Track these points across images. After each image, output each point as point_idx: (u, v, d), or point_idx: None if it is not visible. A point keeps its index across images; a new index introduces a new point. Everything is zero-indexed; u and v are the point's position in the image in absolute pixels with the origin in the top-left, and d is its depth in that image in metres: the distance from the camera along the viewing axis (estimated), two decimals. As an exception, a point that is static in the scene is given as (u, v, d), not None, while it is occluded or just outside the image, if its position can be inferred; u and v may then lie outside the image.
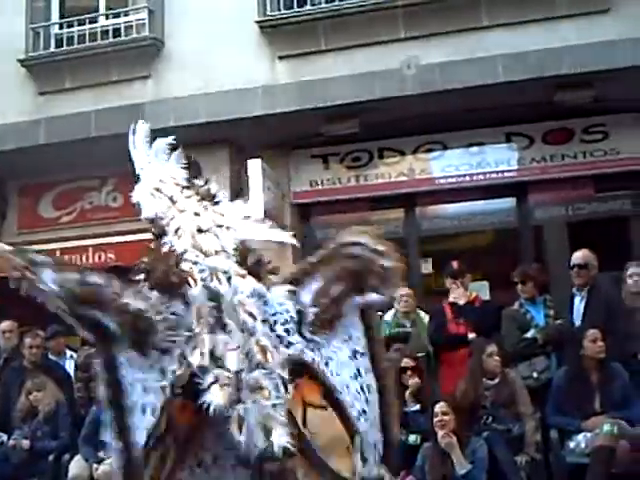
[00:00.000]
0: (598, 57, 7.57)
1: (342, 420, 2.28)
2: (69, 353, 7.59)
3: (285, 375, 2.17)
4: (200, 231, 2.38)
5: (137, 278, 2.33)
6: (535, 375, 6.10)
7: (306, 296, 2.37)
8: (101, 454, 5.88)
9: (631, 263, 6.48)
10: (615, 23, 7.73)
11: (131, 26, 8.98)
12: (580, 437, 5.38)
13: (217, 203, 2.52)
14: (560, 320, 6.45)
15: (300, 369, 2.26)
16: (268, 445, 2.06)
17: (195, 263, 2.27)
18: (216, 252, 2.32)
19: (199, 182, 2.59)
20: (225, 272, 2.27)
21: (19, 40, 9.07)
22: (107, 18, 9.31)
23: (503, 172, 8.96)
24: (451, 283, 6.86)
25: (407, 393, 5.96)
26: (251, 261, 2.36)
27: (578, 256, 6.47)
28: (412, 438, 5.79)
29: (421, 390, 6.08)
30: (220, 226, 2.40)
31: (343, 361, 2.39)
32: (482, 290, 7.74)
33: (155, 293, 2.27)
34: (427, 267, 8.79)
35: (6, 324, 7.41)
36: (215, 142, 8.31)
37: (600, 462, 5.11)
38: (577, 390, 5.53)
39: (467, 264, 7.23)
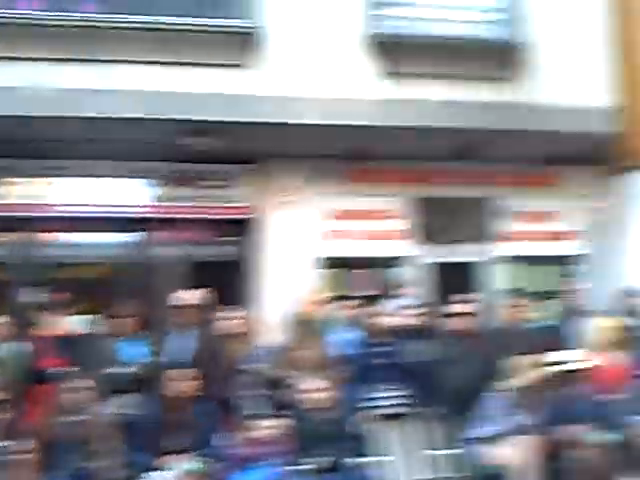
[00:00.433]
0: (223, 108, 8.03)
1: None
2: None
3: None
4: None
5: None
6: (124, 411, 6.08)
7: None
8: None
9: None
10: (250, 78, 8.25)
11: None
12: (156, 475, 5.44)
13: None
14: (156, 357, 6.54)
15: None
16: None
17: None
18: None
19: None
20: None
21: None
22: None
23: (124, 206, 9.00)
24: (50, 314, 6.62)
25: (-2, 428, 5.53)
26: None
27: (178, 296, 6.68)
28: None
29: (10, 425, 5.70)
30: None
31: None
32: (84, 323, 7.58)
33: None
34: (32, 295, 8.36)
35: None
36: None
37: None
38: (155, 428, 5.61)
39: (75, 296, 7.05)
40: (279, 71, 8.35)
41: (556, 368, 5.58)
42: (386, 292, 8.81)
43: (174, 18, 7.90)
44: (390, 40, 8.58)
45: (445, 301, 6.96)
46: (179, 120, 7.95)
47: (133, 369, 6.36)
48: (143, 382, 6.36)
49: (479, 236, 10.09)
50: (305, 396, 5.90)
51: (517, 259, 10.05)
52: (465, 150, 9.30)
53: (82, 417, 5.64)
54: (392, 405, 6.55)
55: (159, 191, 9.15)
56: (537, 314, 8.67)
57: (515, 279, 9.91)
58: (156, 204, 9.16)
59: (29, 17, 7.64)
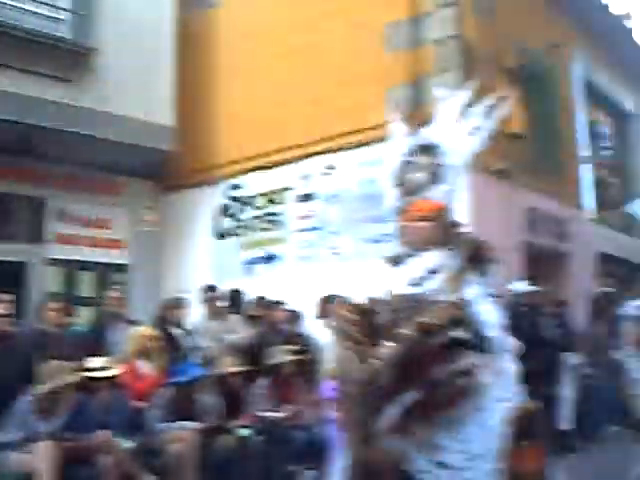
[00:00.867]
0: None
1: None
2: None
3: None
4: None
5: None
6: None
7: None
8: None
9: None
10: None
11: None
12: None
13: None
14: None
15: None
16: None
17: None
18: None
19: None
20: None
21: None
22: None
23: None
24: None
25: None
26: None
27: None
28: None
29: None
30: None
31: None
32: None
33: None
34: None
35: None
36: None
37: None
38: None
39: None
40: None
41: (83, 374, 5.65)
42: None
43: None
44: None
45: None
46: None
47: None
48: None
49: (30, 236, 9.72)
50: None
51: (67, 262, 9.92)
52: (20, 146, 8.93)
53: None
54: None
55: None
56: (79, 319, 8.69)
57: (64, 282, 9.80)
58: None
59: None
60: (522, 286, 8.73)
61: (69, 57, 9.02)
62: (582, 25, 12.03)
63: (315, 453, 5.84)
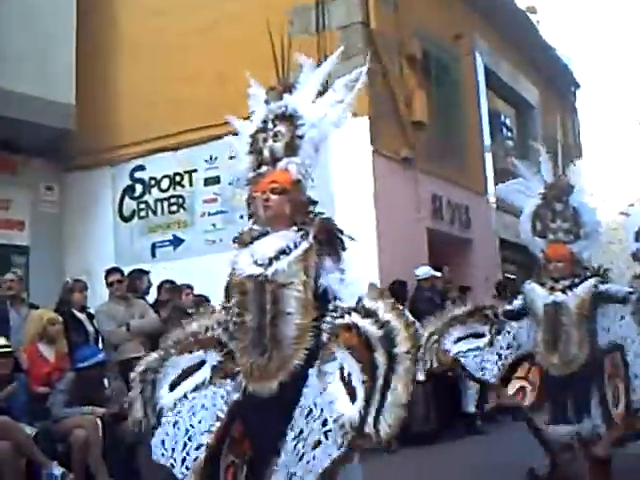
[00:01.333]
0: None
1: None
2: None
3: None
4: None
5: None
6: None
7: None
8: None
9: None
10: None
11: None
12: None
13: None
14: None
15: None
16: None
17: None
18: None
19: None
20: None
21: None
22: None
23: None
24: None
25: None
26: None
27: None
28: None
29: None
30: None
31: None
32: None
33: None
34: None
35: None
36: None
37: None
38: None
39: None
40: None
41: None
42: None
43: None
44: None
45: None
46: None
47: None
48: None
49: None
50: None
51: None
52: None
53: None
54: None
55: None
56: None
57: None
58: None
59: None
60: (425, 271, 8.96)
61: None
62: (487, 16, 12.38)
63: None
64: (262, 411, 2.88)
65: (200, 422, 2.98)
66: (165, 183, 10.10)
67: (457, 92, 11.46)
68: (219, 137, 9.39)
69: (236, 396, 2.98)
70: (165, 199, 10.12)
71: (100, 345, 6.94)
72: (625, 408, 4.58)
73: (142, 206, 10.28)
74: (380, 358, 2.57)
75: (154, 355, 3.25)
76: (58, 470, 5.32)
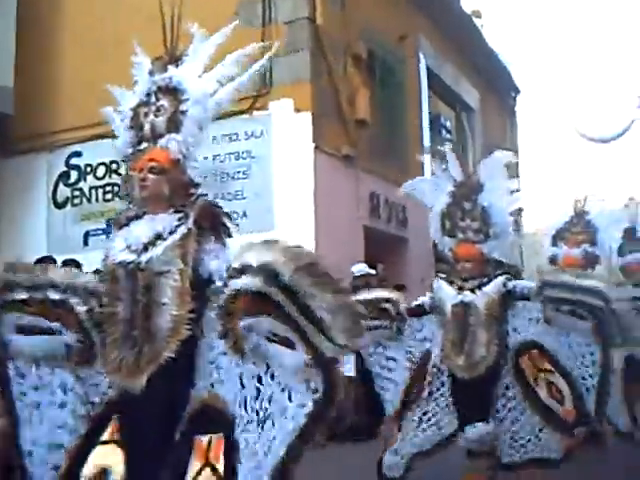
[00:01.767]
0: None
1: None
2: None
3: None
4: None
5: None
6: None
7: None
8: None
9: None
10: None
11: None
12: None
13: None
14: None
15: None
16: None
17: None
18: None
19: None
20: None
21: None
22: None
23: None
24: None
25: None
26: None
27: None
28: None
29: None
30: None
31: None
32: None
33: None
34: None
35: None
36: None
37: None
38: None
39: None
40: None
41: None
42: None
43: None
44: None
45: None
46: None
47: None
48: None
49: None
50: None
51: None
52: None
53: None
54: None
55: None
56: None
57: None
58: None
59: None
60: (360, 269, 9.00)
61: None
62: (431, 18, 12.50)
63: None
64: (134, 409, 2.66)
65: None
66: (101, 171, 9.91)
67: (400, 93, 11.54)
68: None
69: (101, 396, 2.77)
70: (100, 187, 9.93)
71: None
72: (573, 403, 4.36)
73: (76, 193, 10.07)
74: (279, 297, 2.35)
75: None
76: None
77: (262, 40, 8.92)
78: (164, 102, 2.88)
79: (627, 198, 8.12)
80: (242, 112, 8.94)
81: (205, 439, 2.55)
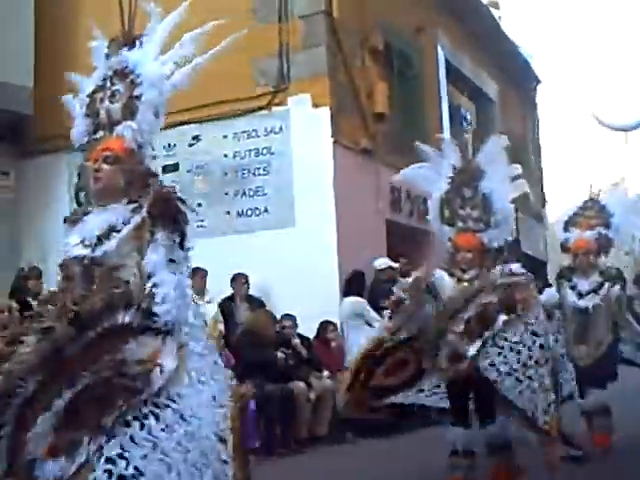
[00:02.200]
0: None
1: None
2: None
3: None
4: None
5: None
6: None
7: None
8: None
9: None
10: None
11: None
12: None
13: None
14: None
15: None
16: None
17: None
18: None
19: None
20: None
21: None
22: None
23: None
24: None
25: None
26: None
27: None
28: None
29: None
30: None
31: None
32: None
33: None
34: None
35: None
36: None
37: None
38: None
39: None
40: None
41: None
42: None
43: None
44: None
45: None
46: None
47: None
48: None
49: None
50: None
51: None
52: None
53: None
54: None
55: None
56: None
57: None
58: None
59: None
60: (382, 262, 8.98)
61: None
62: (450, 10, 12.41)
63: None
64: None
65: None
66: (122, 170, 9.96)
67: (419, 85, 11.48)
68: (177, 124, 9.43)
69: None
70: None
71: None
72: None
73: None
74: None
75: None
76: None
77: (279, 35, 8.97)
78: (119, 87, 2.76)
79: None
80: (261, 108, 8.98)
81: None
